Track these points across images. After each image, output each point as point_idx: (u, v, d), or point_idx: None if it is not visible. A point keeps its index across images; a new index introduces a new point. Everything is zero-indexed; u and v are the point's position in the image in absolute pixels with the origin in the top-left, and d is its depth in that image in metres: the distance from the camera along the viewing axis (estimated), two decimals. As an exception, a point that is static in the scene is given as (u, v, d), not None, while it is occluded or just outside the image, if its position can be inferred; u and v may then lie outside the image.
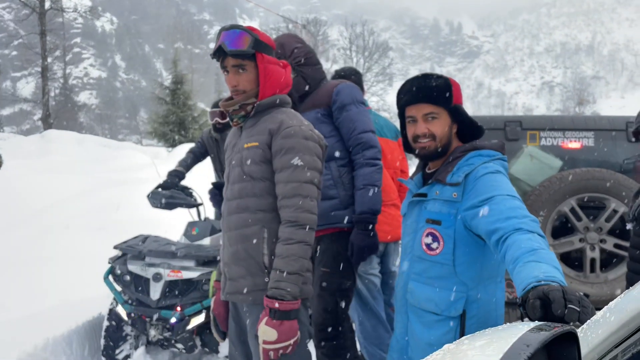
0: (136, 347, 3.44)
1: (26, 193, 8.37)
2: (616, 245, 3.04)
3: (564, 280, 1.25)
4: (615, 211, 3.03)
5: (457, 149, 1.88)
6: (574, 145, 3.42)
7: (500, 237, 1.54)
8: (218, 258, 3.18)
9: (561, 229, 3.19)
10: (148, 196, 3.63)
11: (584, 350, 0.62)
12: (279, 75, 1.97)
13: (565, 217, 3.13)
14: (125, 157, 14.97)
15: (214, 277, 3.12)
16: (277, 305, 1.73)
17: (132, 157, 14.92)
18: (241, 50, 1.88)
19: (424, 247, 1.86)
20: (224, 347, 3.25)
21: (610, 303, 0.64)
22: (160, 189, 3.66)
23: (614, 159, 3.39)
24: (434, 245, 1.84)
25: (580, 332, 0.64)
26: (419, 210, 1.91)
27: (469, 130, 1.92)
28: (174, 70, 20.59)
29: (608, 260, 3.12)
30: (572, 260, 3.16)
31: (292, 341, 1.77)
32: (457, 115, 1.88)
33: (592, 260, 3.06)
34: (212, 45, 1.98)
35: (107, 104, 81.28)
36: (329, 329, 2.55)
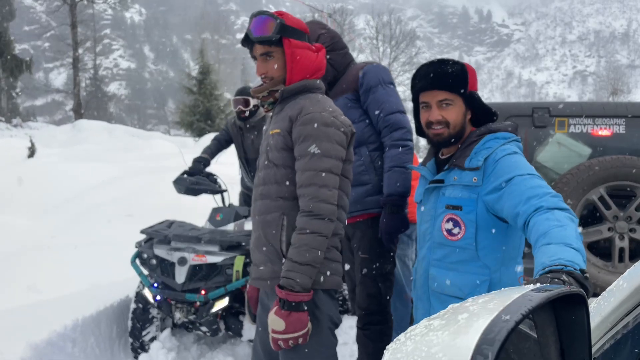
0: (162, 329, 3.52)
1: (58, 181, 8.60)
2: (646, 235, 2.96)
3: (573, 257, 1.25)
4: (646, 200, 2.95)
5: (473, 134, 1.86)
6: (604, 132, 3.33)
7: (524, 222, 1.54)
8: (243, 243, 3.24)
9: (589, 218, 3.13)
10: (174, 182, 3.69)
11: (596, 318, 0.61)
12: (308, 59, 1.91)
13: (594, 206, 3.07)
14: (153, 146, 15.25)
15: (237, 261, 3.16)
16: (286, 295, 1.72)
17: (160, 146, 15.18)
18: (266, 37, 1.85)
19: (445, 232, 1.85)
20: (247, 331, 3.29)
21: (626, 272, 0.63)
22: (185, 175, 3.72)
23: (645, 146, 3.29)
24: (455, 230, 1.83)
25: (595, 303, 0.64)
26: (436, 197, 1.90)
27: (482, 116, 1.89)
28: (201, 60, 20.78)
29: (638, 250, 3.04)
30: (600, 249, 3.09)
31: (300, 333, 1.73)
32: (472, 101, 1.85)
33: (621, 250, 2.99)
34: (239, 36, 1.96)
35: (136, 94, 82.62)
36: (374, 314, 2.56)
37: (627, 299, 0.57)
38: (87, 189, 8.17)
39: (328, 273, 1.87)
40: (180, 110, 21.74)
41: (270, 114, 2.05)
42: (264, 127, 2.10)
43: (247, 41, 1.91)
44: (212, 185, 3.72)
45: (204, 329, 3.32)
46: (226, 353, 3.53)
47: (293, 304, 1.71)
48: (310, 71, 1.93)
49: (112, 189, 8.04)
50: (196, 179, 3.67)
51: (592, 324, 0.63)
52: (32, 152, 10.97)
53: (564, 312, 0.52)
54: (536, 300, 0.44)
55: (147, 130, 30.64)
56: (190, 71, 22.98)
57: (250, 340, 3.32)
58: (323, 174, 1.80)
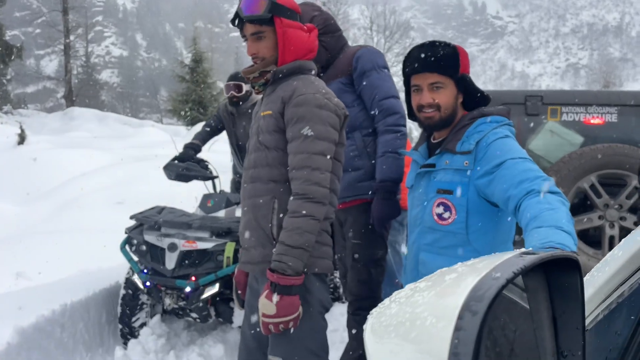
0: (152, 316, 3.50)
1: (48, 168, 8.52)
2: (637, 223, 2.97)
3: (563, 240, 1.25)
4: (636, 188, 2.96)
5: (465, 117, 1.84)
6: (596, 121, 3.33)
7: (516, 205, 1.54)
8: (234, 230, 3.21)
9: (581, 206, 3.13)
10: (164, 168, 3.65)
11: (590, 290, 0.60)
12: (300, 39, 1.86)
13: (585, 194, 3.07)
14: (145, 134, 15.14)
15: (228, 248, 3.14)
16: (277, 279, 1.69)
17: (151, 134, 15.08)
18: (257, 15, 1.79)
19: (435, 217, 1.84)
20: (238, 318, 3.28)
21: (622, 240, 0.62)
22: (176, 161, 3.68)
23: (637, 135, 3.30)
24: (446, 215, 1.82)
25: (589, 275, 0.62)
26: (427, 181, 1.88)
27: (474, 99, 1.88)
28: (194, 48, 20.60)
29: (628, 239, 3.05)
30: (590, 237, 3.10)
31: (291, 317, 1.71)
32: (464, 84, 1.83)
33: (611, 238, 3.00)
34: (233, 25, 1.91)
35: (128, 82, 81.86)
36: (365, 299, 2.55)
37: (622, 268, 0.56)
38: (77, 177, 8.10)
39: (319, 256, 1.85)
40: (172, 99, 21.59)
41: (261, 95, 2.02)
42: (255, 109, 2.06)
43: (238, 20, 1.86)
44: (202, 172, 3.69)
45: (194, 315, 3.31)
46: (216, 339, 3.52)
47: (284, 287, 1.69)
48: (302, 52, 1.89)
49: (102, 176, 7.97)
50: (187, 165, 3.63)
51: (586, 296, 0.61)
52: (22, 139, 10.85)
53: (557, 277, 0.51)
54: (528, 260, 0.42)
55: (140, 119, 30.43)
56: (183, 59, 22.77)
57: (240, 327, 3.31)
58: (316, 157, 1.76)
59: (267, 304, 1.70)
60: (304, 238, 1.71)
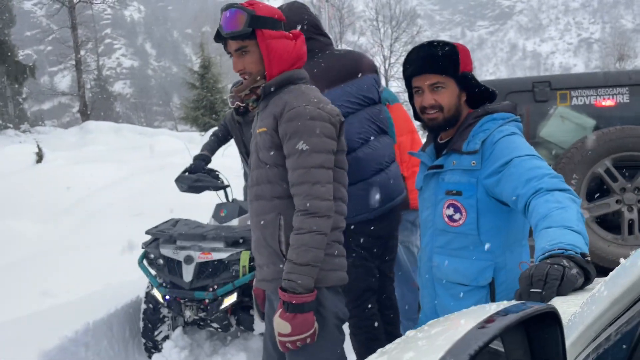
0: (174, 328, 3.54)
1: (66, 184, 8.64)
2: (656, 205, 2.90)
3: (573, 240, 1.23)
4: (653, 170, 2.89)
5: (470, 116, 1.81)
6: (608, 102, 3.26)
7: (524, 205, 1.51)
8: (248, 238, 3.22)
9: (597, 191, 3.07)
10: (175, 181, 3.68)
11: (580, 327, 0.58)
12: (285, 49, 1.82)
13: (601, 179, 3.01)
14: (160, 143, 15.25)
15: (243, 257, 3.15)
16: (289, 298, 1.68)
17: (167, 143, 15.18)
18: (237, 32, 1.76)
19: (446, 219, 1.82)
20: (259, 325, 3.30)
21: (607, 276, 0.59)
22: (186, 173, 3.70)
23: (651, 115, 3.22)
24: (456, 216, 1.79)
25: (580, 307, 0.60)
26: (436, 183, 1.86)
27: (480, 96, 1.84)
28: (202, 54, 20.71)
29: (648, 222, 2.98)
30: (609, 222, 3.04)
31: (307, 334, 1.70)
32: (465, 82, 1.80)
33: (631, 222, 2.94)
34: None
35: (141, 92, 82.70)
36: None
37: (608, 309, 0.54)
38: (95, 191, 8.21)
39: (330, 269, 1.82)
40: (184, 106, 21.75)
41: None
42: (252, 124, 2.04)
43: (220, 37, 1.84)
44: (214, 182, 3.70)
45: (215, 325, 3.33)
46: (239, 348, 3.54)
47: (297, 306, 1.67)
48: (289, 61, 1.84)
49: (119, 189, 8.07)
50: (197, 177, 3.64)
51: (576, 333, 0.59)
52: (39, 157, 11.03)
53: (537, 331, 0.49)
54: (488, 334, 0.40)
55: (154, 127, 30.69)
56: (193, 65, 22.91)
57: (261, 334, 3.33)
58: (314, 170, 1.73)
59: (282, 324, 1.69)
60: (310, 254, 1.69)
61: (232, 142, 4.42)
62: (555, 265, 1.12)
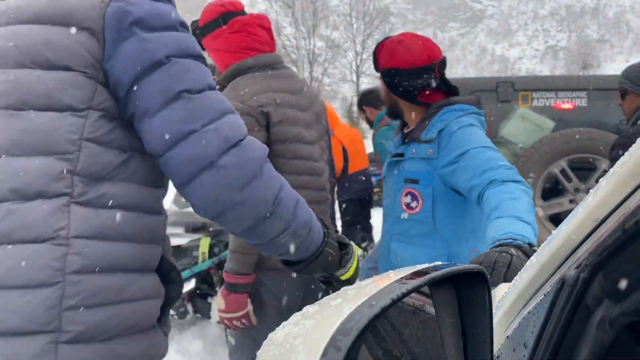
0: (129, 314, 3.48)
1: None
2: (607, 206, 3.01)
3: (522, 230, 1.26)
4: (606, 172, 3.00)
5: (432, 106, 1.84)
6: (567, 105, 3.36)
7: (479, 195, 1.54)
8: (208, 225, 3.19)
9: (552, 191, 3.17)
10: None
11: (512, 295, 0.60)
12: (227, 45, 1.84)
13: (556, 179, 3.10)
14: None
15: (203, 243, 3.12)
16: (225, 276, 1.77)
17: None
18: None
19: (404, 206, 1.84)
20: (215, 313, 3.27)
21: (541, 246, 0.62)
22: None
23: (607, 119, 3.34)
24: (414, 204, 1.82)
25: (518, 277, 0.62)
26: (397, 171, 1.89)
27: (448, 90, 1.87)
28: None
29: (599, 222, 3.09)
30: (562, 222, 3.14)
31: (238, 314, 1.75)
32: (389, 77, 1.84)
33: (582, 222, 3.04)
34: None
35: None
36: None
37: (536, 275, 0.56)
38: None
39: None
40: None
41: None
42: None
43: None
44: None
45: (171, 311, 3.29)
46: (195, 335, 3.50)
47: (230, 285, 1.75)
48: (235, 54, 1.84)
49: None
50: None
51: (508, 302, 0.61)
52: None
53: (466, 290, 0.50)
54: (412, 284, 0.41)
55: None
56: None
57: (218, 322, 3.31)
58: None
59: (219, 299, 1.79)
60: (237, 242, 1.74)
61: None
62: (504, 254, 1.15)
